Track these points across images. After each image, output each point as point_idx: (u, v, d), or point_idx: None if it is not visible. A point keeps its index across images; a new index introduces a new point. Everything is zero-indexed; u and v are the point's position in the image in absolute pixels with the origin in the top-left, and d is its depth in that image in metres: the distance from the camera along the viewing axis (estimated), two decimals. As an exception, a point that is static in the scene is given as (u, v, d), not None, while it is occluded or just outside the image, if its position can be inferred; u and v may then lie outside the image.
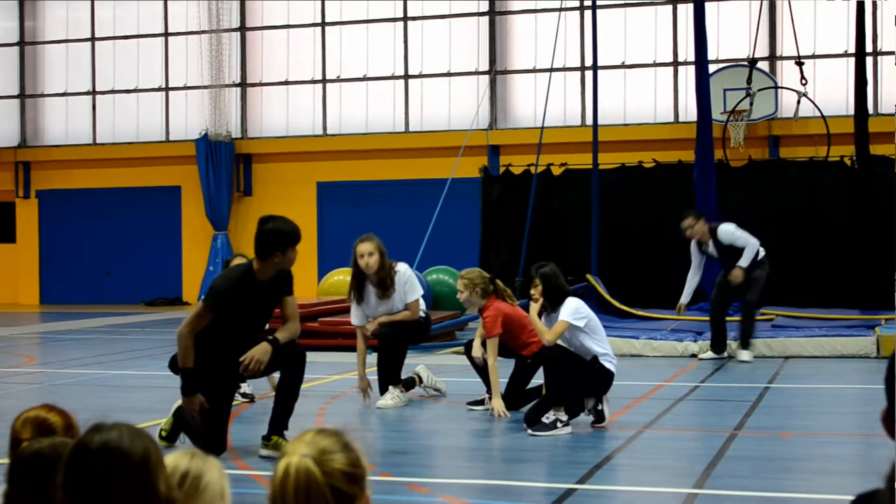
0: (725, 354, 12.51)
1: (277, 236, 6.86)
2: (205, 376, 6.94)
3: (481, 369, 8.99)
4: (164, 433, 7.44)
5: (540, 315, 8.40)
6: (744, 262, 12.22)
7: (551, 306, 8.17)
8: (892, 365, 2.06)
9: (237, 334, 7.00)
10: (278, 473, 2.26)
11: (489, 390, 8.83)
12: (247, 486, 6.26)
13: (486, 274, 9.10)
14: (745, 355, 12.33)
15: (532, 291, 8.19)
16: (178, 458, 2.50)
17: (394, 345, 9.32)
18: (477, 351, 8.91)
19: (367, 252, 9.09)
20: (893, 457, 1.76)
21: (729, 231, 12.41)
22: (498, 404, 8.63)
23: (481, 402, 9.08)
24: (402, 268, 9.30)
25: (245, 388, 9.64)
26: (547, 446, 7.50)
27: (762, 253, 12.41)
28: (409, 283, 9.29)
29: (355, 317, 9.38)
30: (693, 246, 12.72)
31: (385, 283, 9.16)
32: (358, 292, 9.26)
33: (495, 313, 8.72)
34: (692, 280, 12.76)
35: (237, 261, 9.37)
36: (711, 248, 12.52)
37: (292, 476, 2.23)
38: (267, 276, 6.96)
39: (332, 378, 11.18)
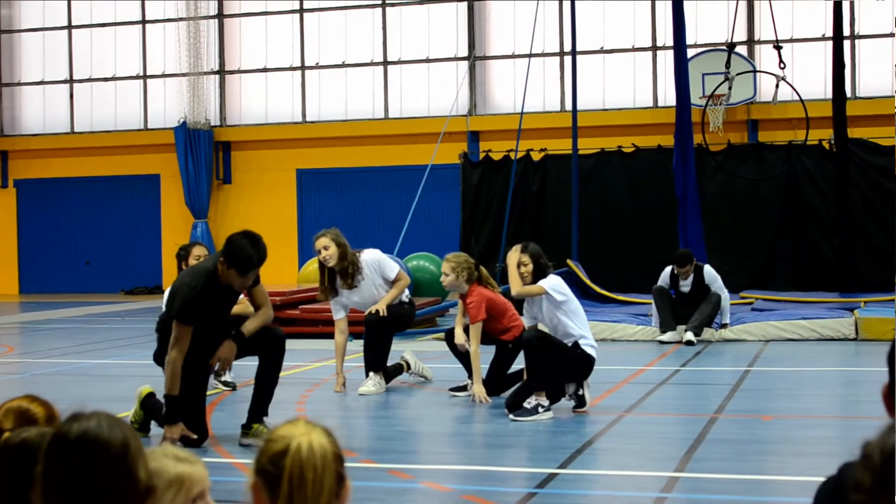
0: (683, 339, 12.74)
1: (240, 258, 6.67)
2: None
3: (463, 356, 8.99)
4: (135, 426, 7.40)
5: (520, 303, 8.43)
6: (726, 318, 12.82)
7: (534, 282, 8.18)
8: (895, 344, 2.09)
9: (205, 329, 6.93)
10: (300, 450, 2.23)
11: (471, 376, 8.84)
12: (228, 474, 6.25)
13: (472, 259, 9.09)
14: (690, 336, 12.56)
15: (522, 270, 8.18)
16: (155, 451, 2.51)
17: (380, 331, 9.30)
18: (460, 338, 8.90)
19: (323, 246, 9.10)
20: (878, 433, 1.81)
21: (712, 274, 12.89)
22: (479, 390, 8.64)
23: (463, 388, 9.08)
24: (366, 255, 9.29)
25: (227, 376, 9.63)
26: (528, 431, 7.51)
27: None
28: (380, 264, 9.30)
29: (335, 310, 9.37)
30: (666, 274, 12.95)
31: (346, 272, 9.15)
32: (331, 286, 9.27)
33: (479, 299, 8.72)
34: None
35: (197, 251, 9.34)
36: (686, 283, 12.80)
37: (318, 452, 2.23)
38: (229, 280, 6.84)
39: (312, 365, 11.17)
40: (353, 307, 9.49)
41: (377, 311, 9.19)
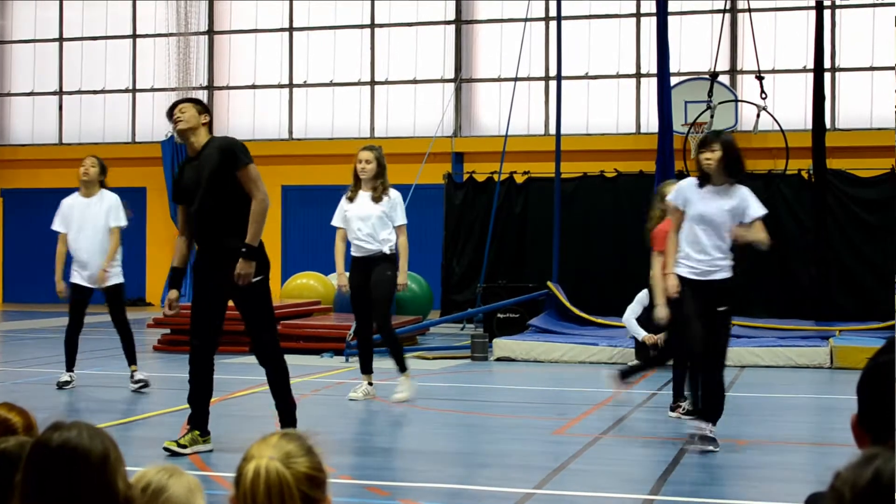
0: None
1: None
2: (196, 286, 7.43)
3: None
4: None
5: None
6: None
7: (729, 174, 7.49)
8: (867, 373, 2.11)
9: (197, 214, 7.32)
10: (248, 476, 2.21)
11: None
12: (207, 487, 6.31)
13: None
14: None
15: (707, 155, 7.47)
16: (148, 470, 2.51)
17: (392, 334, 9.82)
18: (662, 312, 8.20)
19: (366, 160, 9.73)
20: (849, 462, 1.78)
21: None
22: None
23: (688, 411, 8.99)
24: (395, 192, 9.84)
25: (139, 375, 10.36)
26: (506, 451, 7.60)
27: None
28: (399, 206, 9.77)
29: (336, 218, 9.87)
30: (644, 296, 12.85)
31: (377, 189, 9.69)
32: (353, 192, 9.80)
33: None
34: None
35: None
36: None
37: (263, 478, 2.19)
38: (194, 150, 7.38)
39: (293, 380, 11.23)
40: (349, 224, 9.78)
41: (402, 287, 9.78)
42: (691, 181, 7.62)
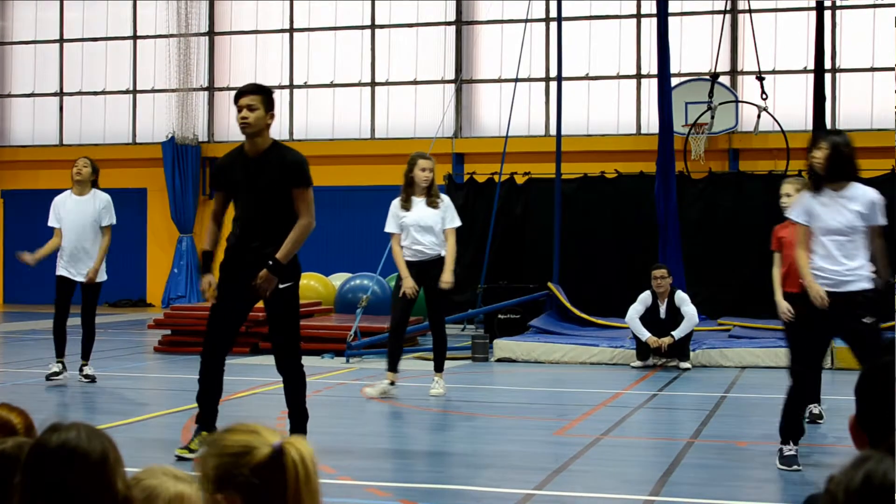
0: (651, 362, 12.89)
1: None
2: (220, 287, 7.35)
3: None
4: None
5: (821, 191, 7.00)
6: (679, 332, 12.62)
7: (831, 178, 6.91)
8: (865, 374, 2.13)
9: (241, 215, 7.39)
10: (305, 460, 2.24)
11: None
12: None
13: None
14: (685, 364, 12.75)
15: (815, 154, 6.97)
16: (147, 470, 2.49)
17: (442, 332, 10.20)
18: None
19: (429, 168, 10.16)
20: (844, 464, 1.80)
21: (683, 297, 12.86)
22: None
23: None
24: (446, 196, 10.31)
25: (87, 369, 10.78)
26: (506, 452, 7.60)
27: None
28: (452, 209, 10.21)
29: (390, 224, 10.18)
30: (647, 296, 12.89)
31: (431, 192, 10.12)
32: (406, 199, 10.12)
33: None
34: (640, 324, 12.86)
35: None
36: (664, 309, 12.78)
37: (310, 459, 2.25)
38: (254, 151, 7.30)
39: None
40: (408, 231, 10.08)
41: (447, 285, 9.97)
42: (808, 191, 7.11)
